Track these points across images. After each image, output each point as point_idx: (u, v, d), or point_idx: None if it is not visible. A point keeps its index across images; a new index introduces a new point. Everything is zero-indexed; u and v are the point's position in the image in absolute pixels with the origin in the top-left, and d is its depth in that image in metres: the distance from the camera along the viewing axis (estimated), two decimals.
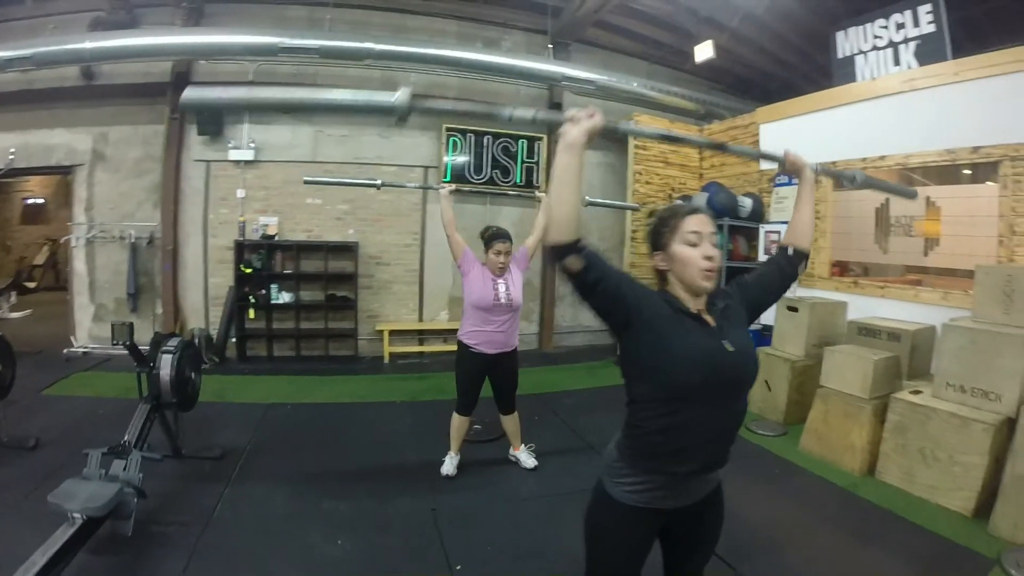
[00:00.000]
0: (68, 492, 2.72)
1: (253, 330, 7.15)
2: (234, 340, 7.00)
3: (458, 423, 4.03)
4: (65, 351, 6.82)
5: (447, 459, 4.09)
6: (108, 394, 5.35)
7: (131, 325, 3.61)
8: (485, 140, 7.59)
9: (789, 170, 2.01)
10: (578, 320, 8.78)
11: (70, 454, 3.68)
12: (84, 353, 6.88)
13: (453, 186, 4.11)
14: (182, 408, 3.78)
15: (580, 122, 1.46)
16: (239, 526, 3.28)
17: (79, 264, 7.09)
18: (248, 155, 6.95)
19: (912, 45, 5.87)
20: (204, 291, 7.17)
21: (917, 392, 4.15)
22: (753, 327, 5.92)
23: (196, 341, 6.85)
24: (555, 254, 1.46)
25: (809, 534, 3.50)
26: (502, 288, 3.83)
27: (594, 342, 8.71)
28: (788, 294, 5.71)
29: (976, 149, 4.82)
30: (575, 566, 2.93)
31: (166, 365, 3.58)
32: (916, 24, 5.85)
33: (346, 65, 6.85)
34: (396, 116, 1.59)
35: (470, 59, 6.87)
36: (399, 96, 1.53)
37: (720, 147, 2.24)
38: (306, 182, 4.12)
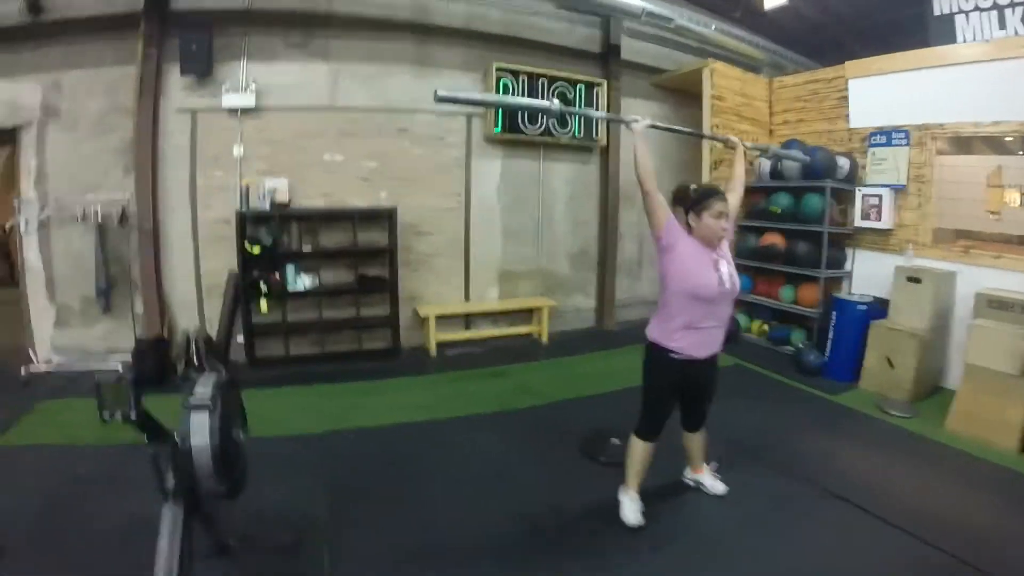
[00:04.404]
0: None
1: (264, 325, 5.66)
2: (240, 340, 5.49)
3: (641, 451, 3.06)
4: (23, 370, 5.17)
5: (626, 501, 3.08)
6: (84, 439, 3.72)
7: (135, 381, 1.89)
8: (540, 83, 6.34)
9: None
10: (634, 291, 7.75)
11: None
12: (47, 372, 5.26)
13: (648, 120, 2.90)
14: (232, 495, 2.28)
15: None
16: None
17: (31, 255, 5.43)
18: (248, 101, 5.46)
19: (1019, 10, 5.58)
20: (196, 279, 5.65)
21: None
22: (865, 299, 5.07)
23: (194, 345, 5.35)
24: None
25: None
26: (724, 269, 2.80)
27: (650, 315, 7.65)
28: (905, 263, 5.02)
29: None
30: None
31: (200, 430, 2.05)
32: None
33: None
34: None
35: None
36: None
37: None
38: (439, 99, 2.62)
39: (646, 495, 3.10)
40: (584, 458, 3.76)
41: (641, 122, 2.85)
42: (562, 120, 6.51)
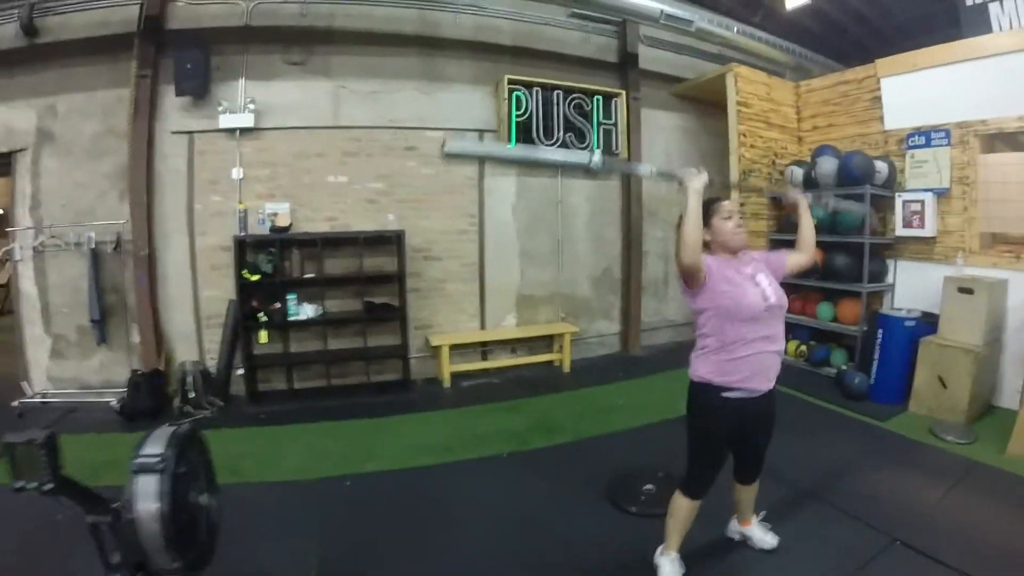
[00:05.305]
0: None
1: (265, 356, 5.35)
2: (240, 372, 5.22)
3: (687, 511, 2.60)
4: (17, 402, 5.01)
5: (665, 564, 2.63)
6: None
7: (49, 443, 1.58)
8: (555, 96, 5.98)
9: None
10: (661, 313, 7.34)
11: None
12: (43, 403, 5.08)
13: (706, 176, 2.29)
14: (192, 570, 1.94)
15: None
16: None
17: (26, 283, 5.28)
18: (246, 121, 5.21)
19: None
20: (194, 309, 5.37)
21: None
22: (912, 314, 4.67)
23: (189, 379, 5.06)
24: None
25: None
26: (764, 281, 2.41)
27: (678, 338, 7.22)
28: (955, 273, 4.49)
29: None
30: None
31: (147, 496, 1.72)
32: None
33: (372, 3, 5.39)
34: None
35: None
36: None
37: None
38: (448, 154, 2.19)
39: (685, 555, 2.67)
40: (613, 507, 3.34)
41: (699, 176, 2.26)
42: (580, 134, 6.12)
